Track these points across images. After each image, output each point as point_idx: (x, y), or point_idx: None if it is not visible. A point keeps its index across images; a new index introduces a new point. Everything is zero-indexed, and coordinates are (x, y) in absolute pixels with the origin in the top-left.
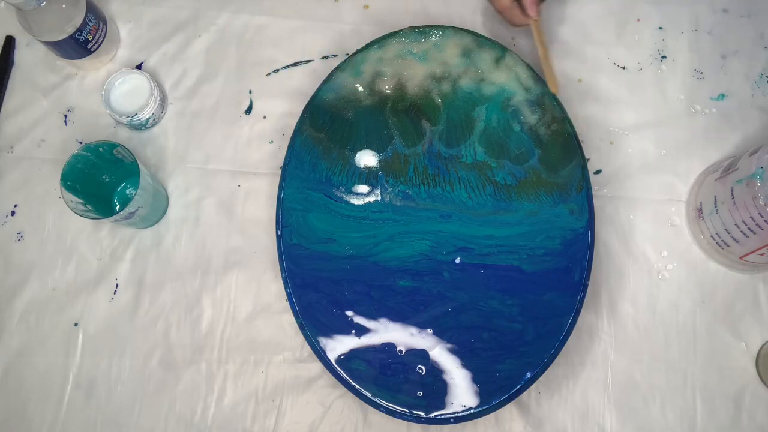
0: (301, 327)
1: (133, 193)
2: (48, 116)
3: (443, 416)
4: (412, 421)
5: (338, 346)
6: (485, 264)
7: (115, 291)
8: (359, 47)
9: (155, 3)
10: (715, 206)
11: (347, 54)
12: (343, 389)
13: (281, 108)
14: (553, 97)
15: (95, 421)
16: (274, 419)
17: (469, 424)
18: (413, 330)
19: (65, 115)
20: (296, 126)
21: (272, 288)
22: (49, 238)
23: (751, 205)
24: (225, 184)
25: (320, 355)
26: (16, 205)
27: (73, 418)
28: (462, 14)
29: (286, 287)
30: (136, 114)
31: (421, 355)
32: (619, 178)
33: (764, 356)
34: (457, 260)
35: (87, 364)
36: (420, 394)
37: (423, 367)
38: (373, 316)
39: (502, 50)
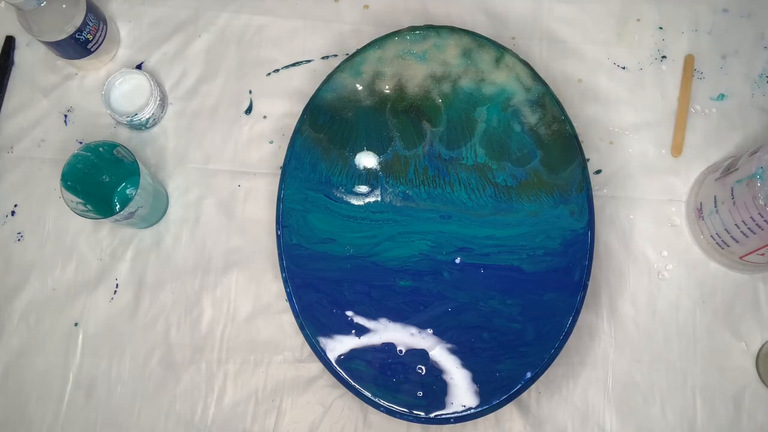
0: (301, 327)
1: (133, 193)
2: (48, 116)
3: (443, 416)
4: (412, 421)
5: (338, 346)
6: (485, 264)
7: (115, 291)
8: (359, 47)
9: (155, 3)
10: (715, 206)
11: (347, 54)
12: (343, 389)
13: (281, 108)
14: (554, 97)
15: (95, 421)
16: (274, 419)
17: (469, 424)
18: (413, 330)
19: (65, 115)
20: (296, 126)
21: (272, 288)
22: (49, 238)
23: (751, 205)
24: (225, 184)
25: (320, 355)
26: (16, 205)
27: (73, 418)
28: (462, 14)
29: (286, 287)
30: (136, 114)
31: (421, 355)
32: (619, 178)
33: (764, 356)
34: (457, 260)
35: (87, 364)
36: (420, 394)
37: (423, 367)
38: (373, 316)
39: (502, 50)
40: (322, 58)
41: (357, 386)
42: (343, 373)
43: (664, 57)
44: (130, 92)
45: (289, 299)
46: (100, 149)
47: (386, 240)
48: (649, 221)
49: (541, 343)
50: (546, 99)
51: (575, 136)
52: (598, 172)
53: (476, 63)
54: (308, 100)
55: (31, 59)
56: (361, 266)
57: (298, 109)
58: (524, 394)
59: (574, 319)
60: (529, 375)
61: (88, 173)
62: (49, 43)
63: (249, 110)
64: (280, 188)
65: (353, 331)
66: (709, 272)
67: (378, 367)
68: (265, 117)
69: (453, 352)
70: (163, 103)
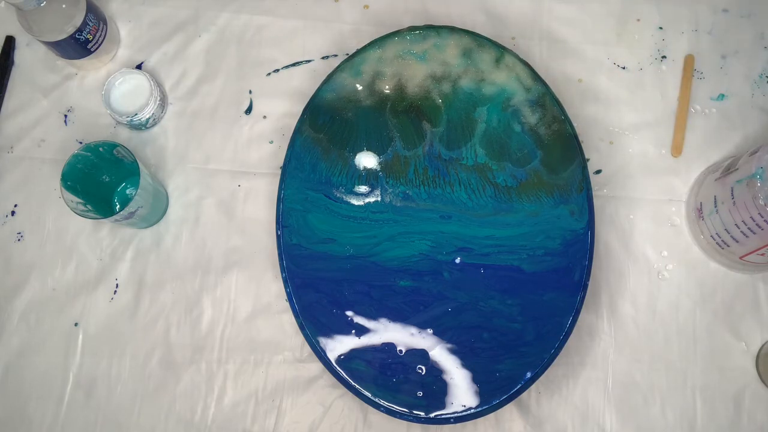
0: (301, 327)
1: (133, 193)
2: (48, 116)
3: (443, 416)
4: (412, 421)
5: (338, 346)
6: (485, 264)
7: (115, 291)
8: (359, 47)
9: (155, 3)
10: (715, 206)
11: (347, 54)
12: (343, 389)
13: (281, 108)
14: (554, 97)
15: (95, 421)
16: (274, 419)
17: (469, 424)
18: (413, 330)
19: (65, 115)
20: (296, 126)
21: (272, 288)
22: (49, 238)
23: (751, 205)
24: (225, 184)
25: (320, 355)
26: (16, 205)
27: (73, 418)
28: (462, 14)
29: (286, 287)
30: (136, 114)
31: (421, 355)
32: (619, 178)
33: (764, 356)
34: (457, 260)
35: (87, 364)
36: (420, 394)
37: (423, 367)
38: (373, 316)
39: (502, 50)
40: (322, 58)
41: (357, 386)
42: (343, 373)
43: (664, 57)
44: (130, 92)
45: (289, 299)
46: (100, 149)
47: (386, 240)
48: (649, 221)
49: (541, 343)
50: (546, 99)
51: (575, 136)
52: (598, 172)
53: (476, 63)
54: (308, 100)
55: (31, 59)
56: (361, 266)
57: (298, 109)
58: (524, 394)
59: (574, 319)
60: (529, 375)
61: (88, 173)
62: (49, 43)
63: (249, 110)
64: (280, 188)
65: (353, 331)
66: (709, 272)
67: (378, 367)
68: (265, 117)
69: (453, 352)
70: (163, 103)
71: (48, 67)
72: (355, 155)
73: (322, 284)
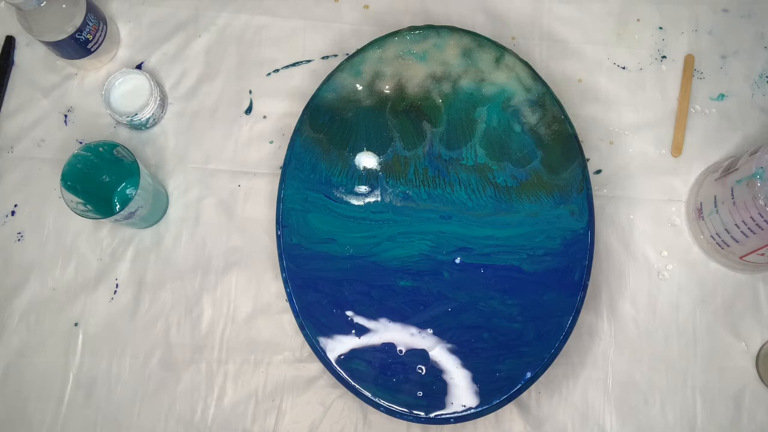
0: (301, 327)
1: (133, 193)
2: (48, 116)
3: (443, 416)
4: (412, 421)
5: (338, 346)
6: (485, 264)
7: (115, 291)
8: (359, 47)
9: (155, 3)
10: (715, 206)
11: (347, 54)
12: (343, 389)
13: (281, 108)
14: (554, 97)
15: (95, 421)
16: (274, 419)
17: (469, 424)
18: (413, 330)
19: (65, 115)
20: (296, 126)
21: (272, 288)
22: (49, 238)
23: (751, 205)
24: (225, 184)
25: (320, 355)
26: (16, 205)
27: (73, 418)
28: (462, 14)
29: (286, 287)
30: (136, 114)
31: (421, 355)
32: (619, 178)
33: (764, 356)
34: (458, 260)
35: (87, 364)
36: (420, 394)
37: (423, 367)
38: (373, 316)
39: (502, 50)
40: (322, 58)
41: (357, 386)
42: (343, 373)
43: (664, 57)
44: (130, 92)
45: (289, 299)
46: (100, 149)
47: (386, 240)
48: (649, 221)
49: (541, 343)
50: (546, 99)
51: (575, 136)
52: (598, 172)
53: (476, 63)
54: (308, 100)
55: (31, 59)
56: (361, 266)
57: (298, 109)
58: (524, 394)
59: (574, 319)
60: (529, 375)
61: (88, 173)
62: (49, 43)
63: (249, 110)
64: (280, 188)
65: (353, 331)
66: (709, 272)
67: (378, 367)
68: (265, 117)
69: (453, 352)
70: (163, 103)
71: (48, 67)
72: (355, 155)
73: (322, 284)
